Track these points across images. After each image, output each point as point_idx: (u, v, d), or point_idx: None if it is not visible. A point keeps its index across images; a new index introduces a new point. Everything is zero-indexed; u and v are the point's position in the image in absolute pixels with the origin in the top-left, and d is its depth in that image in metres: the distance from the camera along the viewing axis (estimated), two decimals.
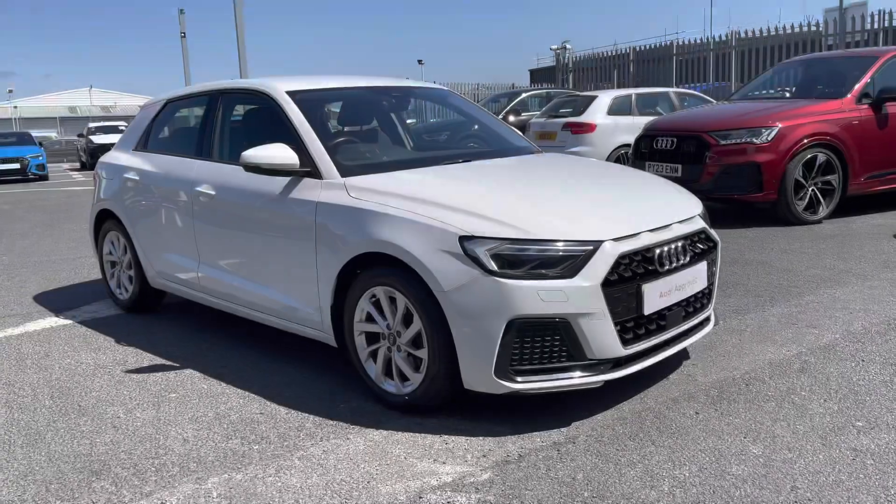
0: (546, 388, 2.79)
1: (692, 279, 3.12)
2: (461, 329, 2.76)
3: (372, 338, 3.13)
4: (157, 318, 4.71)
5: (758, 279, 5.01)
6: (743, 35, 16.54)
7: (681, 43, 18.04)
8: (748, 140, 6.98)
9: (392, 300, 2.99)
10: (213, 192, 3.84)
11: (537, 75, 32.67)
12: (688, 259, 3.09)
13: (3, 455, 2.82)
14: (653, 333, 2.97)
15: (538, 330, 2.73)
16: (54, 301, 5.30)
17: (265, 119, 3.79)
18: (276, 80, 3.87)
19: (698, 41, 17.73)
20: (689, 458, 2.58)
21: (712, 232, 3.37)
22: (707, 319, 3.40)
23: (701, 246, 3.23)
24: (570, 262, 2.74)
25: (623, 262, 2.82)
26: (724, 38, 17.24)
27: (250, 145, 3.40)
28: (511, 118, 13.58)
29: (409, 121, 4.62)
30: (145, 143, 4.68)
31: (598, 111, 10.27)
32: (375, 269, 3.02)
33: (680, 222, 3.15)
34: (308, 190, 3.34)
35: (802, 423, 2.80)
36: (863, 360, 3.42)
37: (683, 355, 3.57)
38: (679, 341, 3.16)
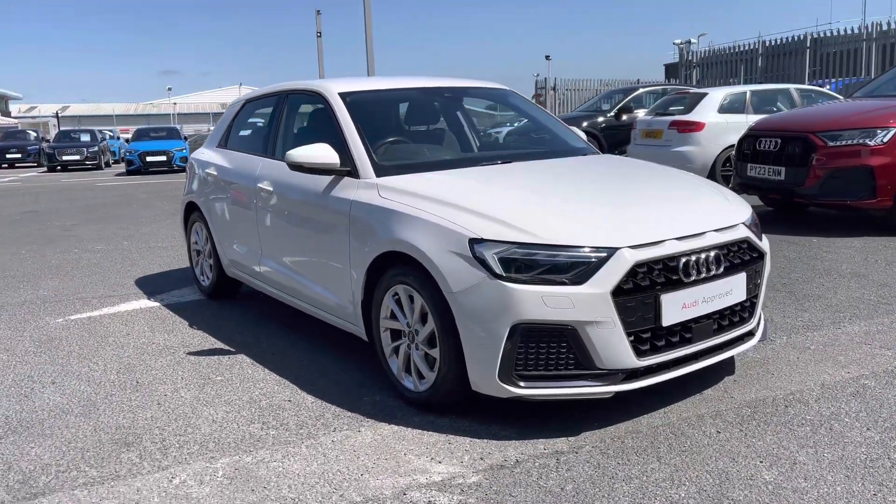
0: (551, 395, 2.75)
1: (725, 291, 2.96)
2: (468, 331, 2.78)
3: (395, 334, 3.20)
4: (231, 304, 5.01)
5: (846, 293, 4.65)
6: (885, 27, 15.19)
7: (816, 35, 16.81)
8: (861, 141, 6.47)
9: (411, 299, 3.05)
10: (270, 189, 4.04)
11: (672, 70, 31.46)
12: (721, 270, 2.94)
13: (58, 422, 3.13)
14: (674, 346, 2.85)
15: (544, 336, 2.70)
16: (151, 284, 5.76)
17: (321, 119, 3.94)
18: (332, 82, 4.02)
19: (846, 32, 16.43)
20: (692, 478, 2.47)
21: (759, 241, 3.18)
22: (750, 334, 3.21)
23: (741, 256, 3.06)
24: (581, 269, 2.68)
25: (640, 270, 2.73)
26: (883, 28, 15.83)
27: (306, 144, 3.57)
28: (624, 116, 13.23)
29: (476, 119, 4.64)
30: (226, 140, 4.98)
31: (707, 109, 9.81)
32: (398, 267, 3.08)
33: (717, 230, 3.00)
34: (346, 189, 3.45)
35: (832, 452, 2.60)
36: None
37: (726, 370, 3.39)
38: (709, 356, 3.01)
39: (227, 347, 4.07)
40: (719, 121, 9.67)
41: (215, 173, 4.82)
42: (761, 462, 2.56)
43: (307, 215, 3.73)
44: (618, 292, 2.69)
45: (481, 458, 2.66)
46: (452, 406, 3.01)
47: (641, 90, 14.14)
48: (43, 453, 2.84)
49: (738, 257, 3.05)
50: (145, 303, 5.17)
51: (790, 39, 17.77)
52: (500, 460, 2.64)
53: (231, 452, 2.78)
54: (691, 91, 10.79)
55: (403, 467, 2.61)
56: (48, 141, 30.49)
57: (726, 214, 3.14)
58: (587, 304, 2.66)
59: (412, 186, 3.22)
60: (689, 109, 10.02)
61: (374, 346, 3.33)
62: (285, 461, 2.69)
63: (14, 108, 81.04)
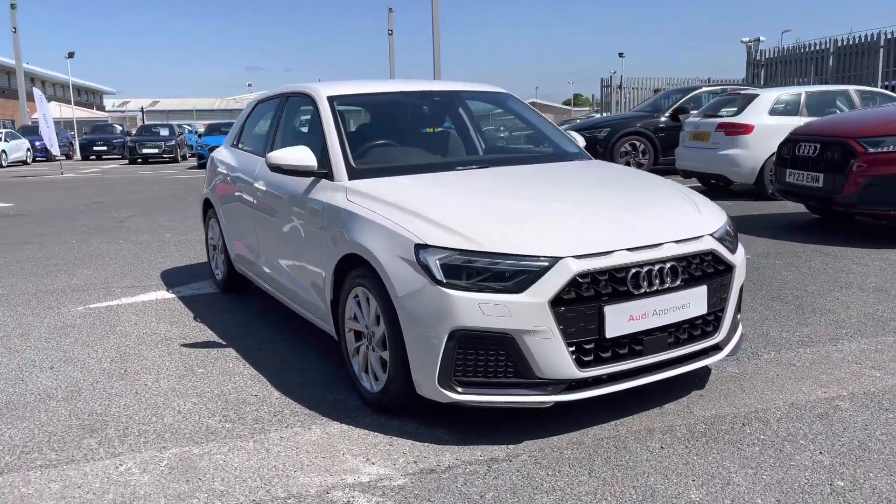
0: (490, 402, 2.76)
1: (682, 304, 2.89)
2: (411, 335, 2.81)
3: (358, 335, 3.26)
4: (241, 299, 5.18)
5: (859, 308, 4.45)
6: None
7: (890, 35, 15.91)
8: None
9: (368, 301, 3.10)
10: (264, 188, 4.17)
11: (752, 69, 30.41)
12: (678, 282, 2.88)
13: (40, 406, 3.32)
14: (622, 358, 2.81)
15: (482, 343, 2.71)
16: (174, 276, 6.01)
17: (312, 121, 4.04)
18: (325, 85, 4.10)
19: None
20: (615, 493, 2.43)
21: (728, 254, 3.08)
22: (717, 348, 3.12)
23: (704, 269, 2.98)
24: (522, 277, 2.68)
25: (583, 280, 2.70)
26: None
27: (297, 145, 3.67)
28: (680, 117, 12.89)
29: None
30: (238, 139, 5.15)
31: (758, 111, 9.47)
32: (357, 270, 3.14)
33: (677, 242, 2.93)
34: (321, 191, 3.53)
35: (772, 475, 2.52)
36: None
37: (695, 384, 3.31)
38: (664, 369, 2.95)
39: (219, 341, 4.22)
40: (770, 123, 9.31)
41: (225, 171, 4.99)
42: (693, 481, 2.50)
43: (290, 215, 3.84)
44: (557, 302, 2.67)
45: (415, 462, 2.69)
46: (406, 408, 3.04)
47: (700, 90, 13.75)
48: (15, 434, 3.03)
49: (699, 269, 2.97)
50: (162, 294, 5.40)
51: (863, 39, 16.90)
52: (433, 464, 2.66)
53: (183, 443, 2.90)
54: (742, 92, 10.43)
55: (337, 466, 2.67)
56: (130, 135, 31.97)
57: (691, 225, 3.06)
58: (524, 313, 2.65)
59: (377, 190, 3.27)
60: (739, 111, 9.70)
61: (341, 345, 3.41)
62: (229, 454, 2.79)
63: (108, 102, 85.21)
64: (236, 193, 4.73)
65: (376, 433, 2.93)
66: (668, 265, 2.86)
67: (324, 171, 3.56)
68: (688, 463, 2.62)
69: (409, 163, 3.73)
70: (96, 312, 4.94)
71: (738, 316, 3.43)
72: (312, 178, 3.63)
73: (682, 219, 3.11)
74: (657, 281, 2.83)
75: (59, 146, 31.43)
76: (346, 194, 3.34)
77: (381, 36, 37.45)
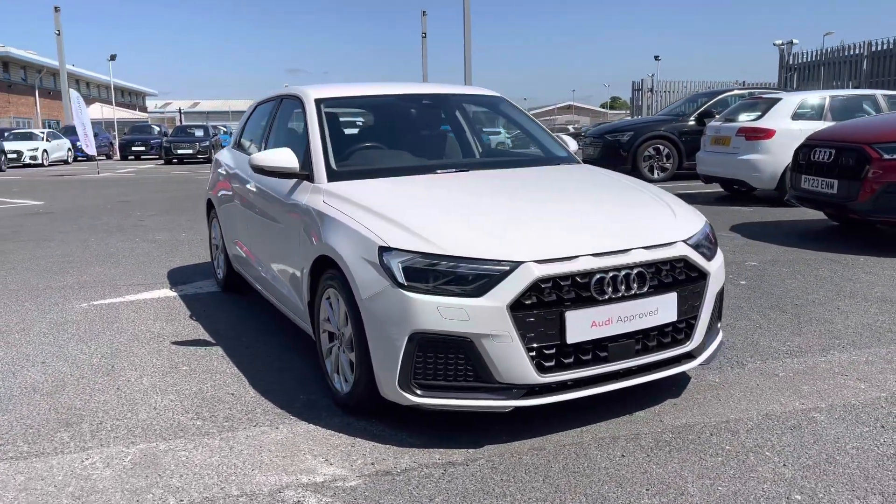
0: (449, 405, 2.75)
1: (649, 310, 2.85)
2: (374, 337, 2.82)
3: (332, 336, 3.28)
4: (240, 298, 5.24)
5: (858, 318, 4.34)
6: None
7: None
8: None
9: (339, 302, 3.12)
10: (254, 189, 4.22)
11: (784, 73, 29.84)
12: (646, 288, 2.84)
13: (24, 400, 3.41)
14: (585, 364, 2.79)
15: (441, 347, 2.70)
16: (181, 275, 6.11)
17: (301, 123, 4.07)
18: (315, 88, 4.14)
19: None
20: (566, 500, 2.41)
21: (703, 261, 3.03)
22: (689, 356, 3.08)
23: (675, 275, 2.94)
24: (483, 281, 2.67)
25: (545, 285, 2.69)
26: None
27: (285, 147, 3.71)
28: (706, 120, 12.70)
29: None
30: (238, 141, 5.23)
31: (780, 115, 9.29)
32: (328, 271, 3.16)
33: (646, 248, 2.89)
34: (302, 192, 3.56)
35: (729, 486, 2.47)
36: (882, 427, 2.89)
37: (671, 393, 3.27)
38: (631, 377, 2.91)
39: (209, 339, 4.28)
40: (792, 128, 9.13)
41: (224, 172, 5.07)
42: (647, 490, 2.46)
43: (275, 216, 3.88)
44: (517, 306, 2.65)
45: (372, 463, 2.70)
46: (372, 409, 3.05)
47: (728, 93, 13.53)
48: None
49: (670, 276, 2.93)
50: (165, 292, 5.49)
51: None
52: (390, 466, 2.67)
53: (151, 439, 2.95)
54: (765, 96, 10.24)
55: (295, 466, 2.69)
56: (167, 135, 32.61)
57: (663, 231, 3.02)
58: (483, 317, 2.64)
59: (351, 192, 3.29)
60: (760, 115, 9.52)
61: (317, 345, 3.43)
62: (193, 452, 2.83)
63: (151, 104, 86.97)
64: (232, 194, 4.80)
65: (341, 434, 2.95)
66: (635, 271, 2.82)
67: (305, 172, 3.60)
68: (646, 472, 2.59)
69: (391, 165, 3.74)
70: (98, 309, 5.04)
71: (719, 324, 3.38)
72: (295, 180, 3.67)
73: (654, 224, 3.07)
74: (623, 287, 2.79)
75: (100, 146, 32.35)
76: (323, 196, 3.37)
77: (418, 39, 37.59)
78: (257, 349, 4.06)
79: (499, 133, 18.28)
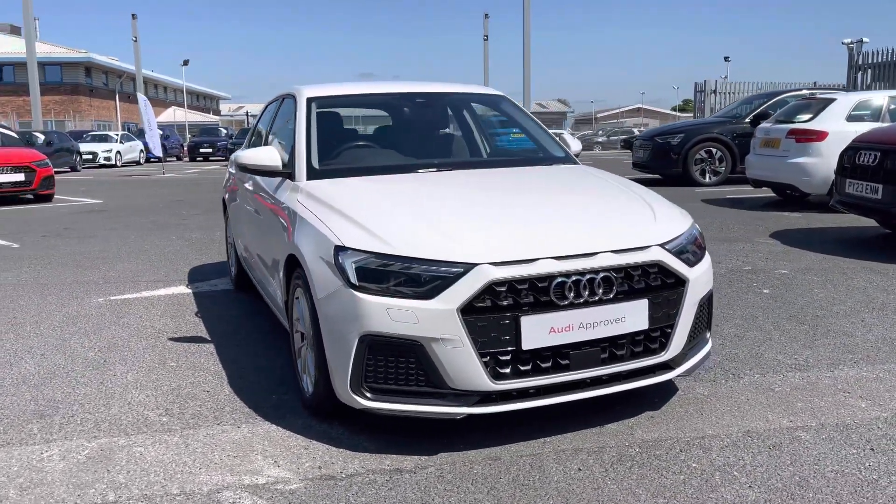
0: (399, 411, 2.67)
1: (616, 317, 2.70)
2: (328, 338, 2.77)
3: (303, 336, 3.24)
4: (245, 296, 5.27)
5: (880, 332, 4.05)
6: None
7: None
8: None
9: (305, 301, 3.07)
10: (251, 188, 4.24)
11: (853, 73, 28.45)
12: (613, 294, 2.70)
13: (10, 390, 3.49)
14: (544, 372, 2.66)
15: (392, 350, 2.62)
16: (201, 273, 6.21)
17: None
18: (310, 86, 4.12)
19: None
20: None
21: (682, 266, 2.86)
22: (666, 367, 2.91)
23: (648, 281, 2.78)
24: (436, 283, 2.58)
25: (499, 288, 2.58)
26: None
27: (279, 145, 3.72)
28: (761, 122, 12.21)
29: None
30: (250, 140, 5.27)
31: (833, 117, 8.83)
32: (297, 270, 3.12)
33: (616, 251, 2.75)
34: (283, 191, 3.54)
35: None
36: (872, 450, 2.66)
37: (651, 405, 3.10)
38: (598, 386, 2.77)
39: (205, 336, 4.31)
40: (847, 130, 8.63)
41: (233, 171, 5.11)
42: None
43: (262, 214, 3.88)
44: (469, 310, 2.55)
45: (320, 467, 2.64)
46: (333, 411, 2.99)
47: (785, 94, 12.97)
48: None
49: (642, 281, 2.77)
50: (181, 289, 5.58)
51: None
52: (336, 471, 2.60)
53: (114, 434, 2.96)
54: (819, 96, 9.75)
55: (242, 467, 2.66)
56: (231, 138, 33.55)
57: (637, 235, 2.86)
58: (432, 320, 2.55)
59: (323, 191, 3.25)
60: (813, 117, 9.08)
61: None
62: (149, 448, 2.83)
63: (224, 107, 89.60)
64: (237, 193, 4.83)
65: (298, 436, 2.90)
66: (600, 276, 2.68)
67: (288, 171, 3.58)
68: (598, 488, 2.44)
69: (372, 164, 3.68)
70: (112, 304, 5.16)
71: (708, 333, 3.20)
72: (280, 179, 3.66)
73: (630, 228, 2.91)
74: (586, 292, 2.66)
75: (171, 148, 33.68)
76: (299, 194, 3.34)
77: (494, 43, 37.56)
78: (247, 348, 4.07)
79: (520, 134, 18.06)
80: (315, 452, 2.76)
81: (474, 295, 2.55)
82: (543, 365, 2.66)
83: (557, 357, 2.67)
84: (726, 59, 45.86)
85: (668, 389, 3.26)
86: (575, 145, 4.21)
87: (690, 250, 2.99)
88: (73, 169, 26.12)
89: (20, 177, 13.08)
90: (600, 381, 2.78)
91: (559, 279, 2.63)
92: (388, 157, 3.88)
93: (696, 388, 3.30)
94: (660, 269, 2.81)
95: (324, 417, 3.02)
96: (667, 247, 2.87)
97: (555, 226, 2.85)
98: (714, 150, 12.66)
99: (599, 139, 49.70)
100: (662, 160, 13.05)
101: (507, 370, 2.62)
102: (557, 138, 4.18)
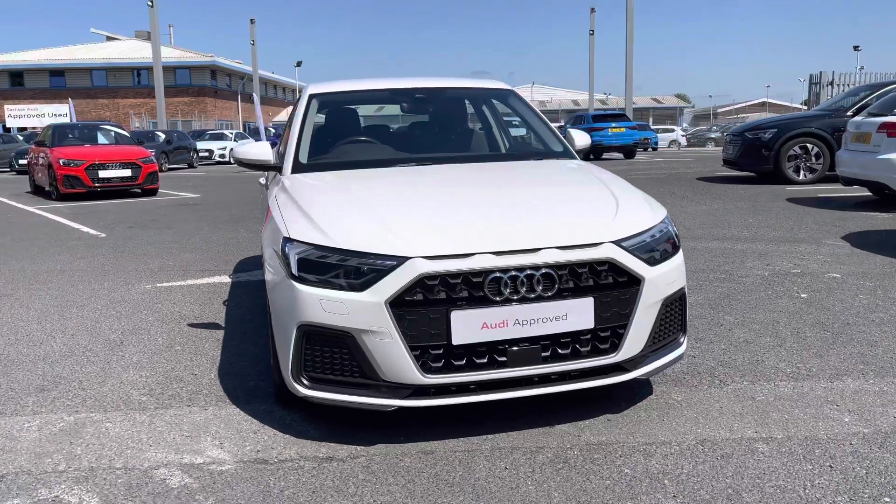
0: (334, 400, 2.71)
1: (556, 315, 2.63)
2: (275, 327, 2.85)
3: None
4: None
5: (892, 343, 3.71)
6: None
7: None
8: None
9: None
10: (263, 182, 4.39)
11: None
12: (553, 291, 2.63)
13: (26, 366, 3.79)
14: (478, 368, 2.62)
15: (327, 340, 2.67)
16: (249, 264, 6.49)
17: None
18: (316, 84, 4.23)
19: None
20: None
21: (634, 265, 2.73)
22: (619, 368, 2.80)
23: (597, 279, 2.68)
24: (370, 276, 2.60)
25: (431, 282, 2.57)
26: None
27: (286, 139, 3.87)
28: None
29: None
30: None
31: None
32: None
33: (561, 248, 2.67)
34: (273, 184, 3.67)
35: None
36: (830, 468, 2.46)
37: (612, 407, 2.99)
38: (542, 385, 2.71)
39: (220, 324, 4.51)
40: None
41: None
42: None
43: (262, 207, 4.02)
44: (399, 303, 2.56)
45: (259, 451, 2.72)
46: (292, 398, 3.06)
47: (893, 85, 11.98)
48: None
49: (590, 279, 2.68)
50: (223, 279, 5.86)
51: None
52: (272, 456, 2.68)
53: (93, 410, 3.17)
54: None
55: (189, 447, 2.78)
56: None
57: (589, 231, 2.75)
58: (361, 312, 2.57)
59: (296, 185, 3.33)
60: None
61: None
62: (117, 425, 3.00)
63: None
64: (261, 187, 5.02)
65: (255, 420, 3.00)
66: (540, 272, 2.61)
67: (279, 165, 3.69)
68: (515, 488, 2.39)
69: (357, 159, 3.73)
70: (155, 291, 5.49)
71: (682, 337, 3.04)
72: (274, 173, 3.78)
73: (582, 223, 2.81)
74: (524, 289, 2.60)
75: None
76: (278, 187, 3.44)
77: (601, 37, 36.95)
78: (253, 337, 4.22)
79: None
80: (262, 437, 2.84)
81: (404, 288, 2.55)
82: (478, 361, 2.62)
83: (494, 353, 2.62)
84: (856, 48, 42.81)
85: (638, 393, 3.13)
86: (580, 140, 4.10)
87: (656, 248, 2.86)
88: (190, 165, 27.80)
89: (127, 172, 14.07)
90: (548, 380, 2.71)
91: (495, 274, 2.59)
92: (380, 151, 3.92)
93: (672, 392, 3.15)
94: (611, 266, 2.71)
95: (286, 404, 3.10)
96: (623, 244, 2.76)
97: (500, 221, 2.80)
98: (810, 146, 11.90)
99: (712, 135, 47.63)
100: (752, 157, 12.39)
101: (440, 364, 2.61)
102: (562, 133, 4.09)
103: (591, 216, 2.89)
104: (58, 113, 40.54)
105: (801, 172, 11.99)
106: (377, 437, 2.79)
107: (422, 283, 2.56)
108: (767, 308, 4.45)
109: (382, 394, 2.65)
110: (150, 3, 31.07)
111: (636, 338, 2.78)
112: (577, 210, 2.95)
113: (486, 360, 2.63)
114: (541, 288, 2.61)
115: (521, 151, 3.99)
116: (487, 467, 2.54)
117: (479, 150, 4.11)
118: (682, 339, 3.04)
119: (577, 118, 26.35)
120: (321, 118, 4.06)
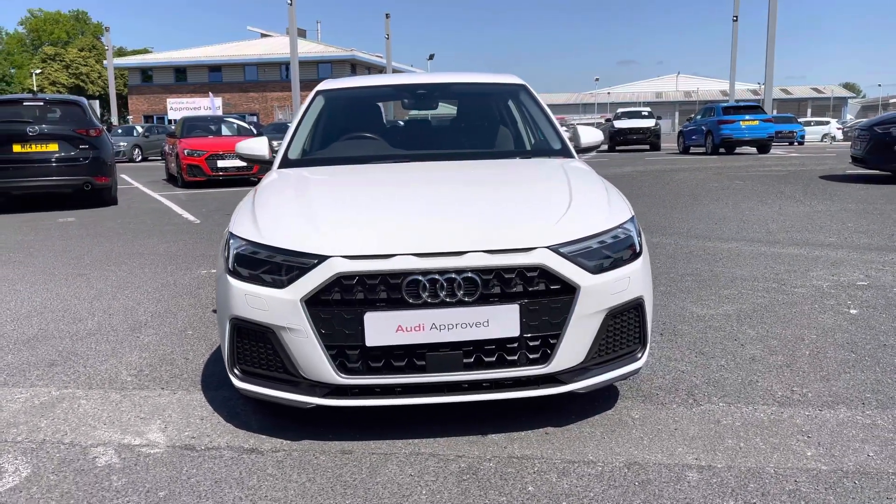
0: (259, 394, 2.76)
1: (477, 321, 2.53)
2: (218, 319, 2.94)
3: None
4: None
5: None
6: None
7: None
8: None
9: None
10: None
11: None
12: (475, 297, 2.53)
13: (51, 341, 4.11)
14: (396, 371, 2.58)
15: (251, 335, 2.72)
16: None
17: None
18: (334, 80, 4.29)
19: None
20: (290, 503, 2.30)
21: (570, 272, 2.58)
22: (552, 380, 2.66)
23: (526, 285, 2.56)
24: (292, 274, 2.62)
25: (347, 282, 2.55)
26: None
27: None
28: None
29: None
30: None
31: None
32: None
33: (490, 252, 2.57)
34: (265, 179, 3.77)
35: None
36: (795, 494, 2.23)
37: (559, 421, 2.85)
38: (467, 392, 2.63)
39: None
40: None
41: None
42: None
43: None
44: (315, 302, 2.56)
45: (193, 437, 2.82)
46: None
47: None
48: (13, 360, 3.79)
49: (518, 285, 2.56)
50: None
51: None
52: (202, 444, 2.77)
53: (79, 387, 3.40)
54: None
55: (135, 428, 2.92)
56: None
57: (522, 235, 2.62)
58: (279, 309, 2.60)
59: (269, 180, 3.41)
60: None
61: None
62: (90, 402, 3.20)
63: None
64: None
65: (209, 407, 3.11)
66: (463, 276, 2.53)
67: (271, 160, 3.79)
68: (407, 496, 2.34)
69: (343, 155, 3.75)
70: (204, 277, 5.79)
71: (639, 350, 2.85)
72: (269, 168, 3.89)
73: (517, 226, 2.68)
74: (444, 293, 2.53)
75: None
76: (259, 183, 3.53)
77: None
78: None
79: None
80: (205, 424, 2.94)
81: (320, 287, 2.55)
82: (396, 364, 2.58)
83: (413, 357, 2.57)
84: None
85: (595, 407, 2.96)
86: (588, 137, 3.91)
87: (607, 254, 2.69)
88: None
89: (243, 162, 14.89)
90: (479, 387, 2.63)
91: (414, 277, 2.53)
92: (372, 148, 3.92)
93: (634, 409, 2.96)
94: (542, 273, 2.57)
95: (241, 395, 3.19)
96: (561, 250, 2.61)
97: (429, 222, 2.73)
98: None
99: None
100: (883, 154, 11.29)
101: (357, 365, 2.59)
102: (570, 131, 3.93)
103: (531, 219, 2.75)
104: (209, 106, 43.60)
105: None
106: (307, 433, 2.81)
107: (339, 282, 2.55)
108: (801, 323, 4.06)
109: (302, 391, 2.66)
110: (289, 2, 32.64)
111: (572, 349, 2.63)
112: (520, 212, 2.83)
113: (404, 364, 2.58)
114: (461, 293, 2.53)
115: (513, 149, 3.86)
116: (393, 472, 2.50)
117: (475, 146, 4.01)
118: (639, 354, 2.84)
119: (707, 110, 25.01)
120: (327, 113, 4.12)
